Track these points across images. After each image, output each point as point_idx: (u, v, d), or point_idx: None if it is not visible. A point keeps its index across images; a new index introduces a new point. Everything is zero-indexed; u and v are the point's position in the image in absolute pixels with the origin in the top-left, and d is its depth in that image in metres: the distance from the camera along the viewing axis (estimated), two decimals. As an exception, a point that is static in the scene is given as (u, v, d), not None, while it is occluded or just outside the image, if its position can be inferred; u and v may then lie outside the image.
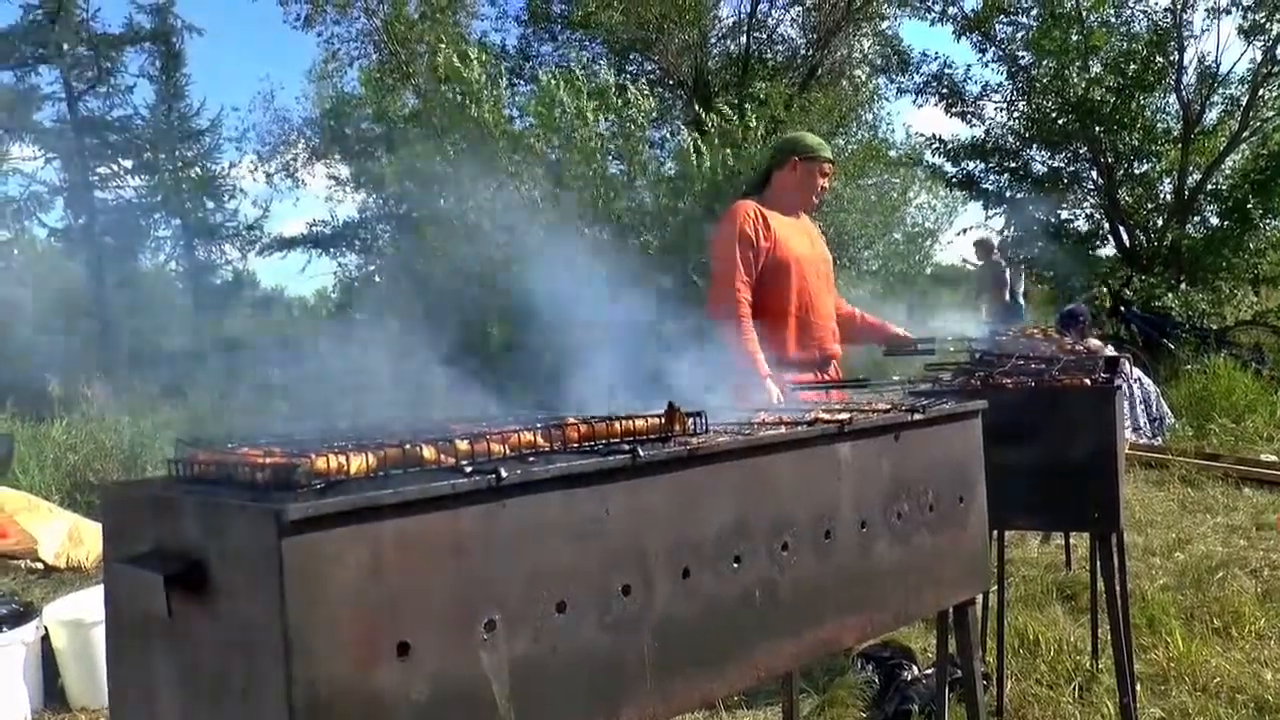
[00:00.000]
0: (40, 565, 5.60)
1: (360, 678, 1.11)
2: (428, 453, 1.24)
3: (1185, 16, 13.62)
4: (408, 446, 1.24)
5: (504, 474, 1.23)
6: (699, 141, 11.91)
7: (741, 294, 3.65)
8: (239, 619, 1.13)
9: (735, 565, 1.54)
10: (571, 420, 1.44)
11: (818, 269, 3.88)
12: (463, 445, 1.28)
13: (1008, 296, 12.47)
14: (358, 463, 1.19)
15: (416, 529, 1.16)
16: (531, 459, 1.34)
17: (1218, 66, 13.84)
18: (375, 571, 1.12)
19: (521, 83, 18.09)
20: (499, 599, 1.23)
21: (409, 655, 1.14)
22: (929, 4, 15.57)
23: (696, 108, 13.55)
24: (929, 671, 3.61)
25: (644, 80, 16.63)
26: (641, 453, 1.40)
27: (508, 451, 1.32)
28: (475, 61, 11.90)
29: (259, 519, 1.09)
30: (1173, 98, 14.07)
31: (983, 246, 13.11)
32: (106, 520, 1.40)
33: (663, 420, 1.51)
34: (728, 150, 11.81)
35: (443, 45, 12.97)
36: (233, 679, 1.15)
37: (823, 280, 3.89)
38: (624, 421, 1.47)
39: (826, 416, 1.79)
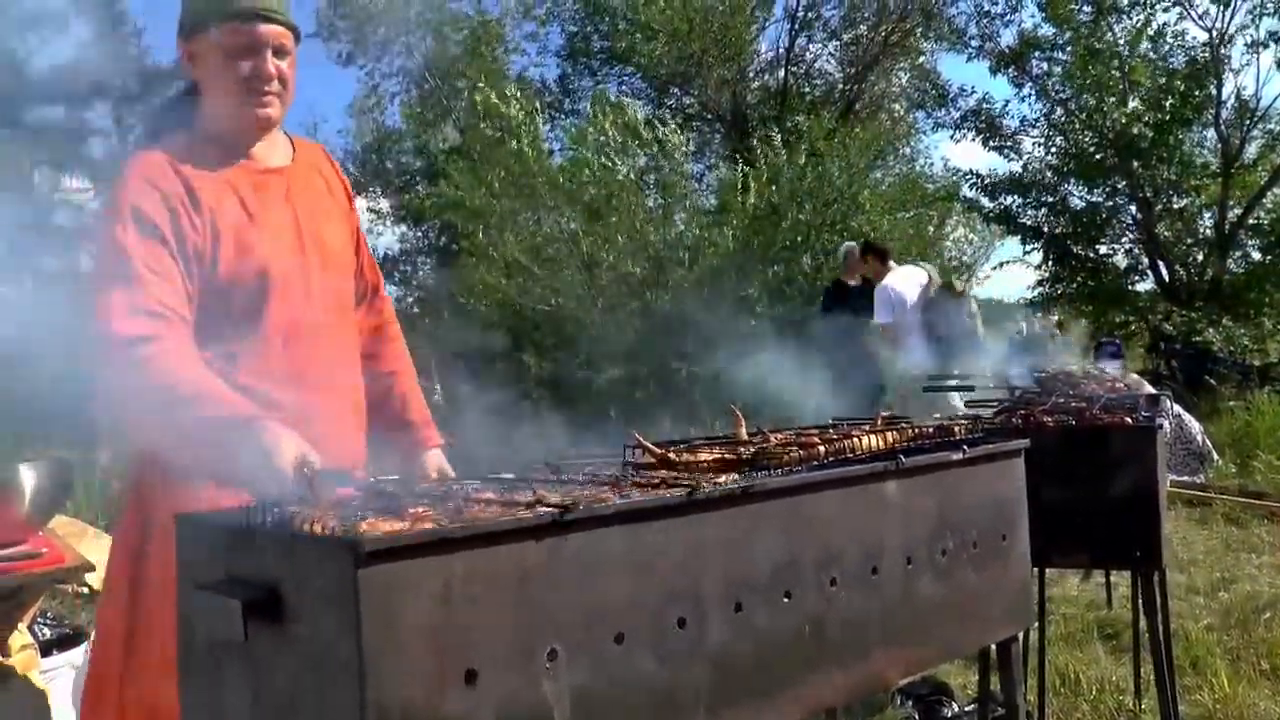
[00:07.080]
0: (86, 590, 5.68)
1: (430, 703, 1.15)
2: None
3: (1224, 51, 13.60)
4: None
5: (568, 509, 1.28)
6: (748, 177, 12.00)
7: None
8: (314, 645, 1.18)
9: (786, 600, 1.57)
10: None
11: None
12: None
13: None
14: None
15: (485, 561, 1.21)
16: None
17: (1258, 101, 13.79)
18: (445, 601, 1.17)
19: (561, 116, 18.31)
20: (561, 630, 1.28)
21: (476, 682, 1.19)
22: (966, 39, 15.66)
23: (752, 139, 13.65)
24: (969, 709, 3.60)
25: (682, 115, 16.78)
26: (697, 490, 1.44)
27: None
28: (514, 99, 12.12)
29: (336, 550, 1.14)
30: (1211, 132, 14.02)
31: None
32: (181, 548, 1.45)
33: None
34: (772, 186, 11.90)
35: (481, 85, 13.19)
36: (305, 701, 1.20)
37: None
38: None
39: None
